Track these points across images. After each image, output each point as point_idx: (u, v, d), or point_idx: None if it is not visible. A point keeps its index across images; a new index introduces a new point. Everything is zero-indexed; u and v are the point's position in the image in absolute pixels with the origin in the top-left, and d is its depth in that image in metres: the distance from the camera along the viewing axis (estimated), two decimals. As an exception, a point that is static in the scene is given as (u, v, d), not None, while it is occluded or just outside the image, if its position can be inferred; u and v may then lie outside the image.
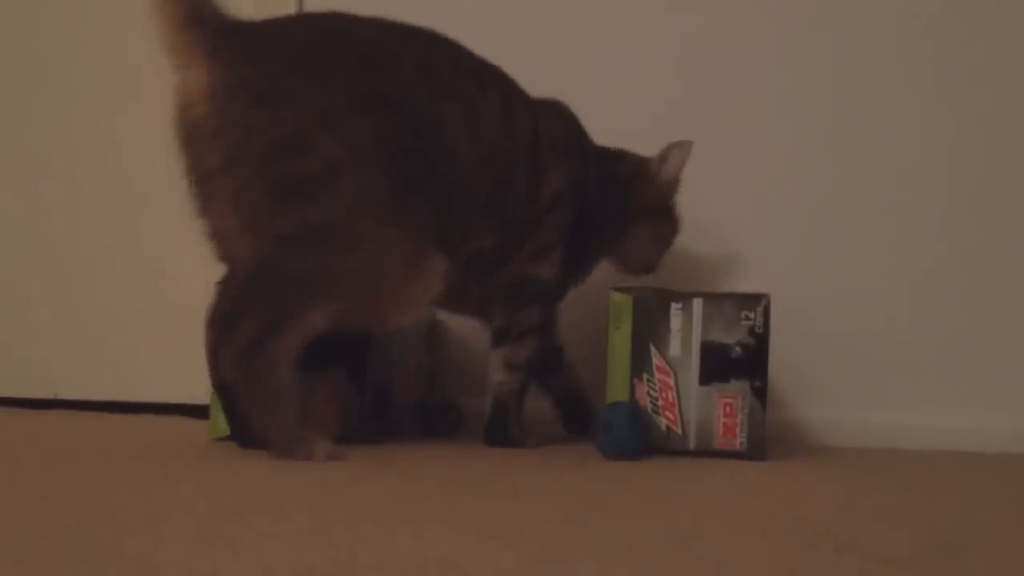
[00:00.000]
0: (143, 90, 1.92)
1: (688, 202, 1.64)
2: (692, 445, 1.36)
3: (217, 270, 1.42)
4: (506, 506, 0.90)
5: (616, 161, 1.57)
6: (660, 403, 1.37)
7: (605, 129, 1.59)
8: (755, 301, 1.37)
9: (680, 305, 1.38)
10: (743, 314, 1.36)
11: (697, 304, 1.37)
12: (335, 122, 1.24)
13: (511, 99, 1.43)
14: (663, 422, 1.36)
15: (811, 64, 1.76)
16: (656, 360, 1.37)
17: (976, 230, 1.72)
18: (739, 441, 1.35)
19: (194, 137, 1.26)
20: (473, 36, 1.45)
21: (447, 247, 1.31)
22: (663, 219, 1.58)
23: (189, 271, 1.91)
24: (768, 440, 1.37)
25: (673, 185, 1.58)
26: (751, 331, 1.36)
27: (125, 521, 0.77)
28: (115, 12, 1.93)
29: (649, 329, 1.38)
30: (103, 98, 1.95)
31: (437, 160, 1.30)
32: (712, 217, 1.74)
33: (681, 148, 1.56)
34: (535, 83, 1.50)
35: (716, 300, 1.38)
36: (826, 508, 0.98)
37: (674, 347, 1.37)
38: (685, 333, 1.37)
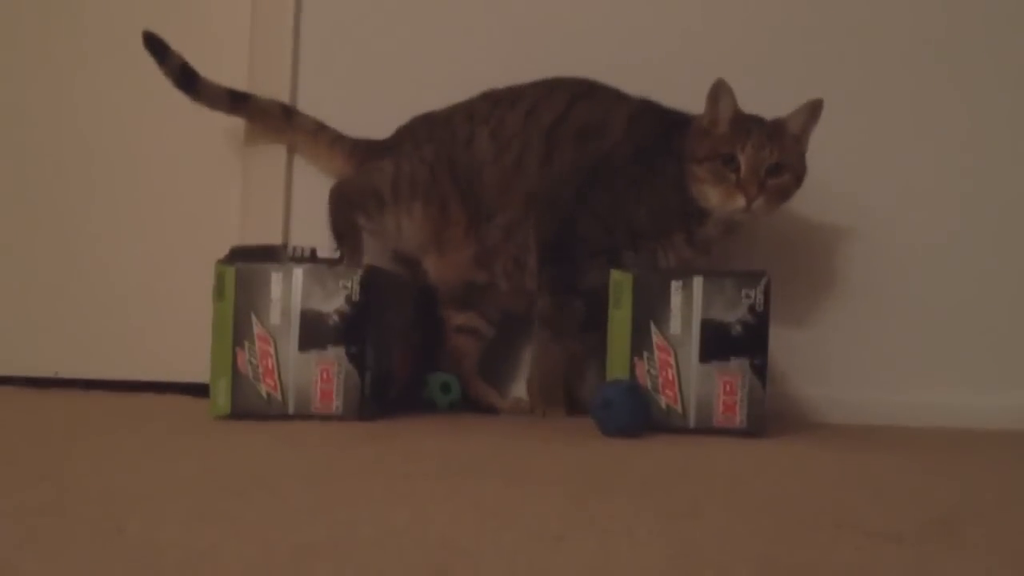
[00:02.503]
0: (140, 81, 1.91)
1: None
2: (692, 423, 1.36)
3: (214, 249, 1.42)
4: (505, 484, 0.90)
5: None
6: (660, 381, 1.37)
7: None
8: (755, 279, 1.37)
9: (680, 283, 1.38)
10: (743, 292, 1.36)
11: (697, 282, 1.37)
12: None
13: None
14: (663, 400, 1.36)
15: (818, 42, 1.75)
16: (656, 338, 1.37)
17: (976, 210, 1.71)
18: (739, 418, 1.35)
19: None
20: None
21: None
22: None
23: (189, 251, 1.92)
24: (768, 417, 1.37)
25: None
26: (751, 309, 1.36)
27: (126, 499, 0.77)
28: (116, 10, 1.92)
29: (649, 307, 1.38)
30: (101, 87, 1.94)
31: None
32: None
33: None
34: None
35: (716, 278, 1.38)
36: (825, 485, 0.98)
37: (674, 325, 1.37)
38: (685, 311, 1.37)
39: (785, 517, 0.78)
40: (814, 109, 1.52)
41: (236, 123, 1.83)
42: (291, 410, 1.37)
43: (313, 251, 1.43)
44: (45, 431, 1.27)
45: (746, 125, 1.50)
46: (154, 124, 1.92)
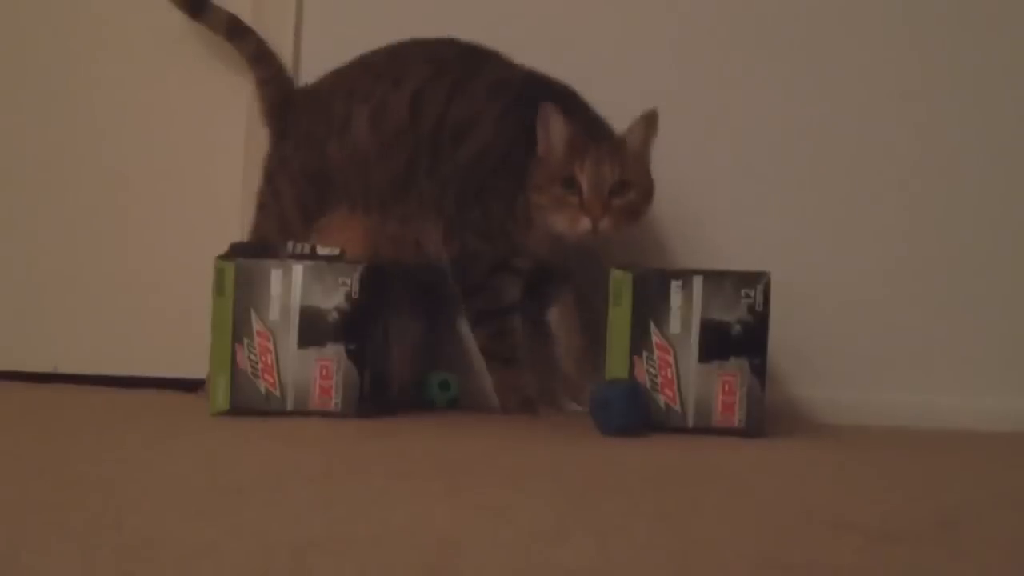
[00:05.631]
0: (140, 75, 1.91)
1: (690, 181, 1.63)
2: (691, 422, 1.36)
3: (214, 245, 1.42)
4: (504, 483, 0.90)
5: None
6: (659, 380, 1.37)
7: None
8: (755, 279, 1.36)
9: (680, 282, 1.38)
10: (743, 292, 1.36)
11: (697, 282, 1.37)
12: None
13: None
14: (662, 399, 1.36)
15: (809, 47, 1.75)
16: (656, 337, 1.37)
17: (976, 213, 1.71)
18: (738, 418, 1.35)
19: None
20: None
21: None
22: None
23: (190, 247, 1.92)
24: (766, 418, 1.37)
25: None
26: (751, 309, 1.36)
27: (125, 495, 0.77)
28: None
29: (649, 306, 1.38)
30: (101, 81, 1.94)
31: None
32: (713, 195, 1.73)
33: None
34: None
35: (716, 278, 1.38)
36: (823, 485, 0.98)
37: (674, 324, 1.37)
38: (685, 311, 1.37)
39: (783, 517, 0.78)
40: (650, 121, 1.48)
41: (238, 118, 1.83)
42: (290, 407, 1.37)
43: (313, 248, 1.43)
44: (44, 426, 1.27)
45: (583, 145, 1.46)
46: (154, 118, 1.92)
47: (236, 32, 1.76)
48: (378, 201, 1.61)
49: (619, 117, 1.54)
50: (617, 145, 1.48)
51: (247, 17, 1.82)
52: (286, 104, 1.72)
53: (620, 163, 1.46)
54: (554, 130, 1.48)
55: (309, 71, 1.81)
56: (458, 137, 1.57)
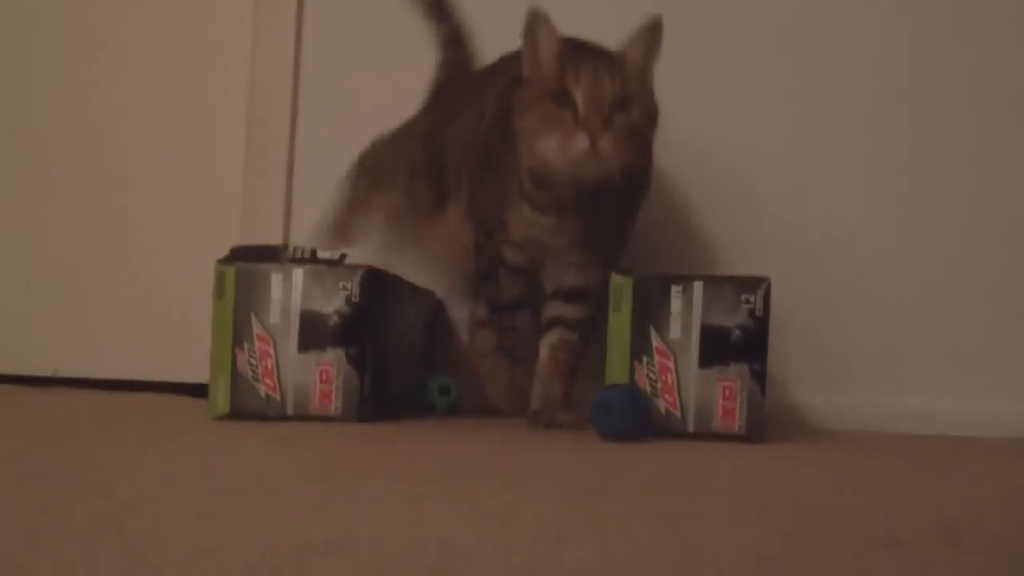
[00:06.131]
0: (141, 78, 1.92)
1: (690, 184, 1.63)
2: (691, 428, 1.36)
3: (214, 249, 1.42)
4: (504, 486, 0.90)
5: None
6: (659, 386, 1.37)
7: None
8: (755, 284, 1.37)
9: (680, 288, 1.38)
10: (743, 297, 1.36)
11: (698, 287, 1.37)
12: None
13: None
14: (662, 405, 1.36)
15: (813, 44, 1.75)
16: (656, 343, 1.37)
17: (976, 215, 1.71)
18: (738, 424, 1.35)
19: None
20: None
21: None
22: None
23: (190, 250, 1.92)
24: (767, 423, 1.37)
25: None
26: (751, 314, 1.36)
27: (125, 498, 0.77)
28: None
29: (649, 311, 1.38)
30: (102, 83, 1.95)
31: None
32: (712, 198, 1.74)
33: None
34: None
35: (716, 283, 1.38)
36: (824, 490, 0.98)
37: (674, 330, 1.37)
38: (685, 316, 1.37)
39: (784, 521, 0.78)
40: (653, 33, 1.30)
41: (238, 123, 1.83)
42: (290, 411, 1.36)
43: (313, 252, 1.43)
44: (44, 429, 1.27)
45: (576, 56, 1.28)
46: (154, 121, 1.92)
47: (436, 12, 1.69)
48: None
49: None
50: (617, 58, 1.31)
51: (247, 17, 1.83)
52: (445, 83, 1.68)
53: (620, 76, 1.27)
54: (542, 39, 1.30)
55: (309, 70, 1.82)
56: (480, 121, 1.50)
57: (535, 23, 1.29)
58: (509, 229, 1.45)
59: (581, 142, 1.25)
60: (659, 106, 1.34)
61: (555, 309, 1.49)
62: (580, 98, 1.26)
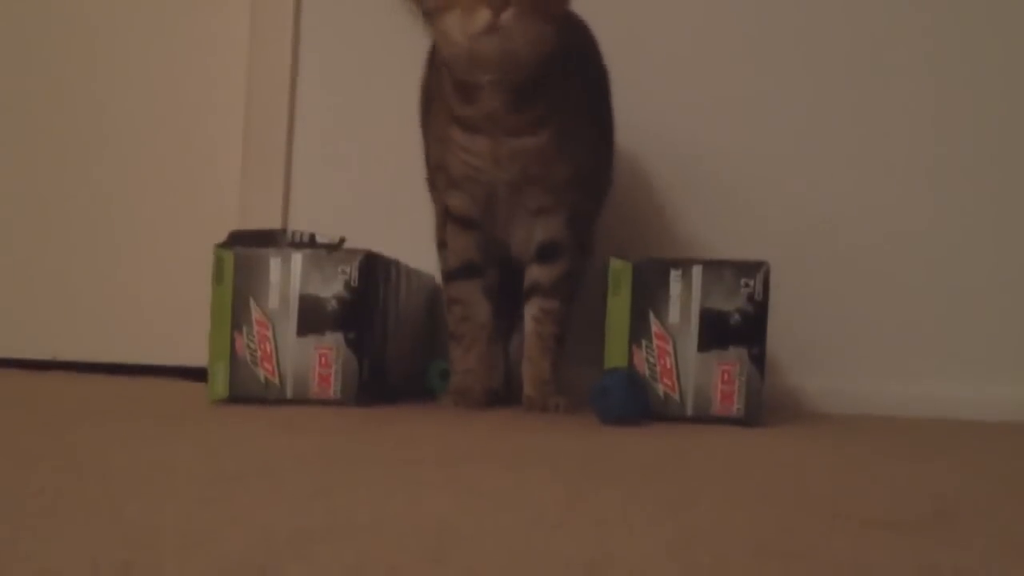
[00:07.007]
0: (140, 67, 1.91)
1: (689, 167, 1.63)
2: (690, 411, 1.36)
3: (213, 234, 1.42)
4: (503, 472, 0.91)
5: None
6: (658, 370, 1.37)
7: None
8: (754, 269, 1.36)
9: (680, 272, 1.37)
10: (742, 281, 1.36)
11: (696, 271, 1.37)
12: None
13: None
14: (661, 389, 1.37)
15: (816, 35, 1.74)
16: (655, 327, 1.37)
17: (977, 199, 1.71)
18: (736, 408, 1.35)
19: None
20: None
21: None
22: None
23: (189, 234, 1.92)
24: (765, 407, 1.38)
25: None
26: (750, 298, 1.36)
27: (123, 483, 0.77)
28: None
29: (648, 296, 1.38)
30: (102, 73, 1.94)
31: None
32: (712, 182, 1.73)
33: None
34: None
35: (715, 267, 1.38)
36: (823, 474, 0.98)
37: (673, 314, 1.37)
38: (684, 300, 1.37)
39: (782, 506, 0.78)
40: None
41: (236, 110, 1.83)
42: (289, 394, 1.37)
43: (312, 236, 1.43)
44: (42, 414, 1.27)
45: None
46: (153, 107, 1.92)
47: None
48: None
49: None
50: None
51: (245, 19, 1.83)
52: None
53: None
54: None
55: (306, 57, 1.81)
56: None
57: None
58: (447, 168, 1.41)
59: (481, 17, 1.21)
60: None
61: (531, 275, 1.47)
62: None
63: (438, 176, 1.46)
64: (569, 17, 1.36)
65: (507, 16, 1.21)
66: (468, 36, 1.23)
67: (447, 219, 1.48)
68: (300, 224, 1.77)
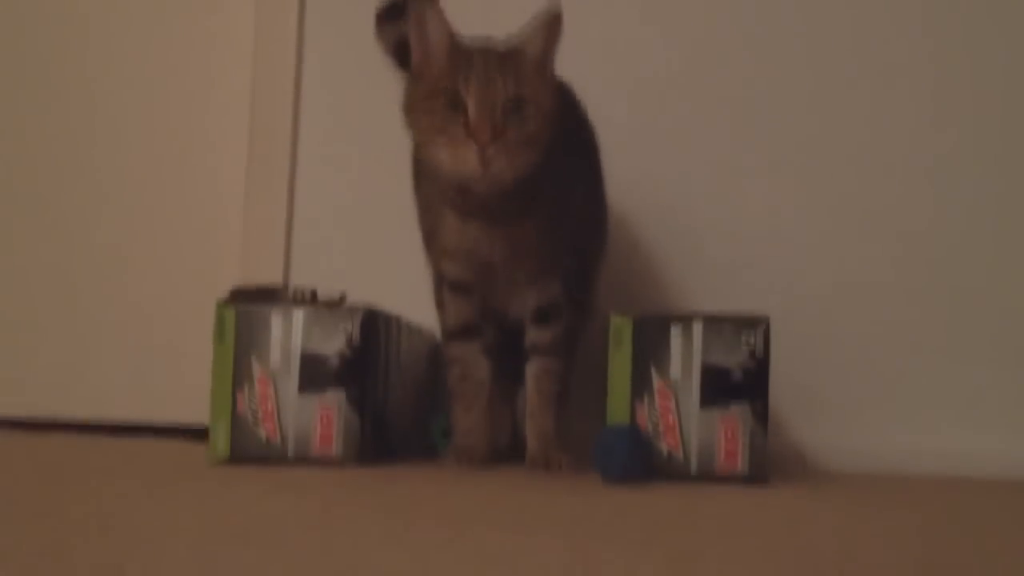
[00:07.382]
0: (140, 113, 1.93)
1: (692, 218, 1.64)
2: (694, 470, 1.35)
3: (213, 290, 1.42)
4: (506, 531, 0.90)
5: None
6: (661, 427, 1.36)
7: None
8: (755, 324, 1.37)
9: (680, 327, 1.38)
10: (743, 338, 1.36)
11: (697, 327, 1.37)
12: None
13: None
14: (665, 447, 1.36)
15: (813, 76, 1.76)
16: (657, 383, 1.37)
17: (976, 254, 1.72)
18: (740, 465, 1.34)
19: None
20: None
21: None
22: None
23: (190, 291, 1.92)
24: (770, 464, 1.37)
25: None
26: (751, 354, 1.36)
27: (124, 543, 0.76)
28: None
29: (649, 351, 1.38)
30: (99, 120, 1.96)
31: None
32: (715, 234, 1.74)
33: None
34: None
35: (716, 323, 1.38)
36: (828, 532, 0.97)
37: (674, 369, 1.37)
38: (686, 355, 1.37)
39: (787, 564, 0.77)
40: (552, 23, 1.24)
41: (238, 162, 1.84)
42: (291, 454, 1.36)
43: (314, 292, 1.43)
44: (42, 472, 1.26)
45: (468, 53, 1.22)
46: (154, 159, 1.93)
47: None
48: None
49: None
50: (512, 54, 1.25)
51: (246, 20, 1.84)
52: None
53: (515, 75, 1.21)
54: (432, 29, 1.23)
55: (310, 77, 1.82)
56: None
57: (423, 10, 1.23)
58: (441, 238, 1.42)
59: (470, 154, 1.21)
60: (555, 104, 1.27)
61: (529, 336, 1.48)
62: (471, 105, 1.21)
63: (432, 243, 1.48)
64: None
65: (496, 154, 1.21)
66: (455, 170, 1.25)
67: (443, 283, 1.48)
68: (301, 278, 1.77)
